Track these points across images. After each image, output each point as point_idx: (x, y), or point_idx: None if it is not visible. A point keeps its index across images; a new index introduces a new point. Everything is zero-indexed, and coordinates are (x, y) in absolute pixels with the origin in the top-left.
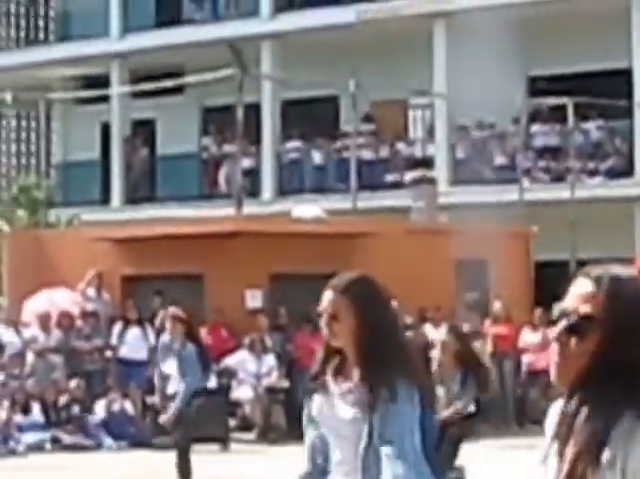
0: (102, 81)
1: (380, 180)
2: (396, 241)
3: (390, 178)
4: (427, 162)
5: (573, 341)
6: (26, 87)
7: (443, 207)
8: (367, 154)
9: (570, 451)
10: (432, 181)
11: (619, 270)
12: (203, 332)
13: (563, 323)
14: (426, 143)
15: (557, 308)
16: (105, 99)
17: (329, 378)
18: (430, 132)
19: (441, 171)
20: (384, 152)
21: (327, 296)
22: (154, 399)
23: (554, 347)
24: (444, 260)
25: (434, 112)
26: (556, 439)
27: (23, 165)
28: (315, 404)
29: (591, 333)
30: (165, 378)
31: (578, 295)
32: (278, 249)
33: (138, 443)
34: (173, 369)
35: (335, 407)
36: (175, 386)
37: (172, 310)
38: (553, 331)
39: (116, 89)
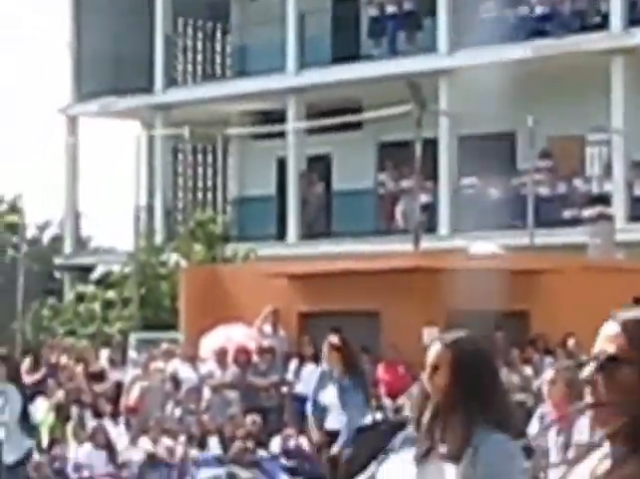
0: (278, 116)
1: (557, 217)
2: (574, 279)
3: (567, 215)
4: (604, 199)
5: (602, 382)
6: (203, 122)
7: (620, 244)
8: (544, 190)
9: None
10: (610, 218)
11: None
12: (380, 369)
13: (592, 365)
14: (603, 180)
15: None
16: (281, 134)
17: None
18: (607, 169)
19: (618, 208)
20: (561, 189)
21: (433, 349)
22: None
23: (586, 390)
24: (622, 299)
25: (611, 148)
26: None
27: (200, 200)
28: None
29: (618, 373)
30: (323, 410)
31: (605, 337)
32: (456, 286)
33: None
34: (331, 399)
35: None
36: (335, 419)
37: (330, 338)
38: (583, 373)
39: (292, 124)
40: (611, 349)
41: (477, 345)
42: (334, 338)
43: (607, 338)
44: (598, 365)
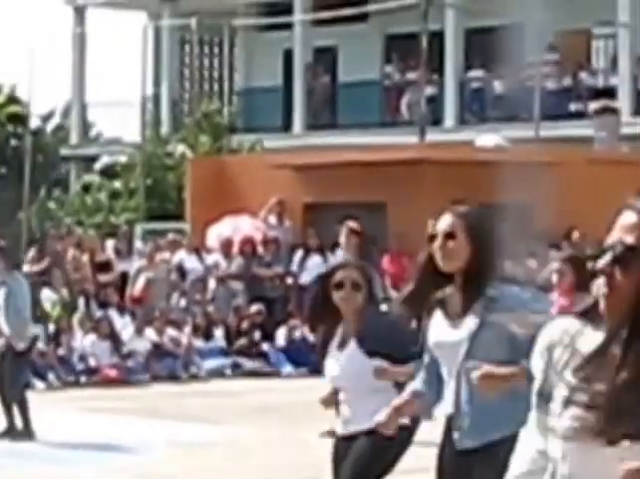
0: (285, 8)
1: (563, 110)
2: (578, 171)
3: (573, 108)
4: (610, 92)
5: (618, 272)
6: (211, 13)
7: (625, 137)
8: (550, 84)
9: (619, 378)
10: (615, 111)
11: None
12: (385, 260)
13: (609, 255)
14: (609, 73)
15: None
16: (288, 26)
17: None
18: (613, 62)
19: (624, 101)
20: (567, 82)
21: (445, 219)
22: None
23: (600, 280)
24: (626, 191)
25: (617, 42)
26: (587, 365)
27: (206, 91)
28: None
29: (636, 263)
30: None
31: (622, 227)
32: (462, 178)
33: (318, 370)
34: None
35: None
36: None
37: (349, 223)
38: (599, 263)
39: (299, 16)
40: (630, 240)
41: (485, 215)
42: (353, 224)
43: (625, 228)
44: (615, 255)
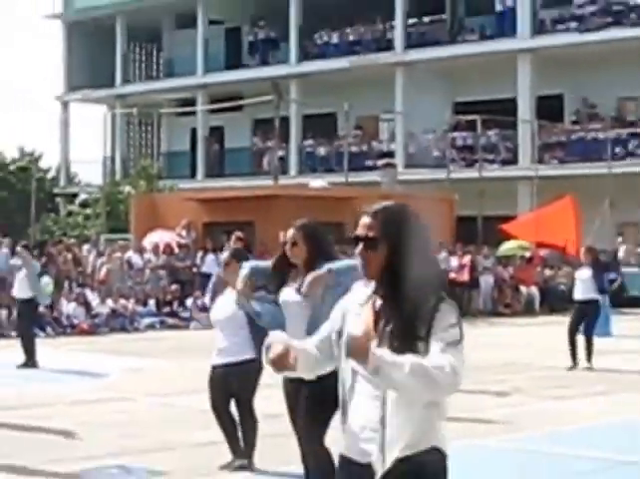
0: (192, 102)
1: (362, 164)
2: (371, 202)
3: (368, 163)
4: (391, 154)
5: (370, 253)
6: (145, 105)
7: (401, 182)
8: (354, 148)
9: (393, 326)
10: (393, 166)
11: (390, 204)
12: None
13: (361, 244)
14: (390, 142)
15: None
16: (193, 114)
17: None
18: (392, 135)
19: (399, 160)
20: (364, 147)
21: (290, 232)
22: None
23: (359, 258)
24: None
25: (396, 123)
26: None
27: (143, 153)
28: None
29: (378, 247)
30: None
31: (363, 225)
32: (300, 206)
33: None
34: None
35: None
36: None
37: (237, 233)
38: (356, 249)
39: (200, 107)
40: (370, 234)
41: (315, 228)
42: (239, 233)
43: (361, 226)
44: (364, 245)
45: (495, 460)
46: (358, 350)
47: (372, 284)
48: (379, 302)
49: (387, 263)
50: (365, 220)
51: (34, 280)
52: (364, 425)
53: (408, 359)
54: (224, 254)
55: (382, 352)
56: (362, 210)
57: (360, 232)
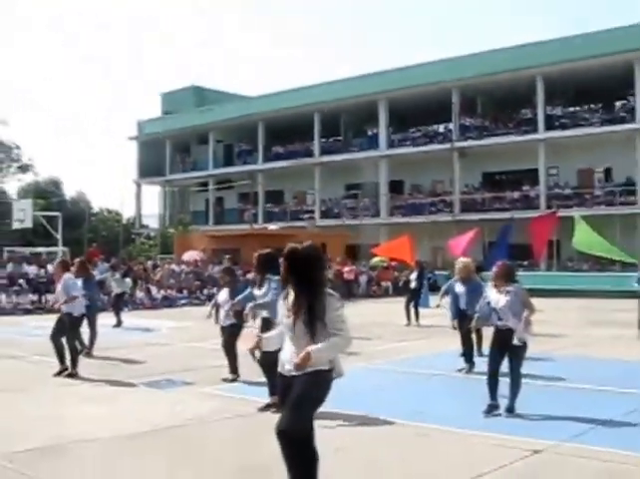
0: (204, 182)
1: (297, 217)
2: (304, 239)
3: (301, 216)
4: (312, 211)
5: (287, 276)
6: (181, 185)
7: (318, 226)
8: (293, 208)
9: (296, 311)
10: (313, 218)
11: (299, 246)
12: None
13: (283, 270)
14: (312, 205)
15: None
16: (207, 190)
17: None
18: (313, 201)
19: (317, 214)
20: (299, 208)
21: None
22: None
23: (282, 275)
24: (327, 247)
25: (315, 195)
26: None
27: (180, 211)
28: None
29: (291, 274)
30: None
31: (281, 263)
32: (264, 240)
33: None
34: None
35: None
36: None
37: (226, 256)
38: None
39: (210, 187)
40: (285, 263)
41: (272, 255)
42: (229, 256)
43: (283, 256)
44: (285, 261)
45: (366, 375)
46: (300, 367)
47: (289, 288)
48: (292, 297)
49: (297, 280)
50: (282, 260)
51: (120, 282)
52: (289, 359)
53: (325, 344)
54: (220, 269)
55: (312, 348)
56: (289, 244)
57: (282, 266)
